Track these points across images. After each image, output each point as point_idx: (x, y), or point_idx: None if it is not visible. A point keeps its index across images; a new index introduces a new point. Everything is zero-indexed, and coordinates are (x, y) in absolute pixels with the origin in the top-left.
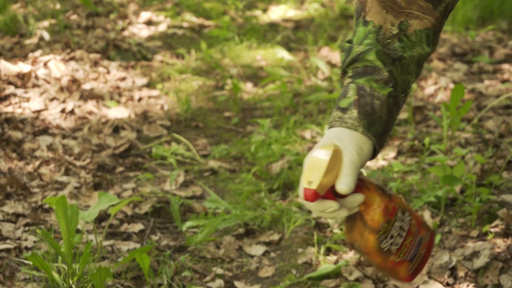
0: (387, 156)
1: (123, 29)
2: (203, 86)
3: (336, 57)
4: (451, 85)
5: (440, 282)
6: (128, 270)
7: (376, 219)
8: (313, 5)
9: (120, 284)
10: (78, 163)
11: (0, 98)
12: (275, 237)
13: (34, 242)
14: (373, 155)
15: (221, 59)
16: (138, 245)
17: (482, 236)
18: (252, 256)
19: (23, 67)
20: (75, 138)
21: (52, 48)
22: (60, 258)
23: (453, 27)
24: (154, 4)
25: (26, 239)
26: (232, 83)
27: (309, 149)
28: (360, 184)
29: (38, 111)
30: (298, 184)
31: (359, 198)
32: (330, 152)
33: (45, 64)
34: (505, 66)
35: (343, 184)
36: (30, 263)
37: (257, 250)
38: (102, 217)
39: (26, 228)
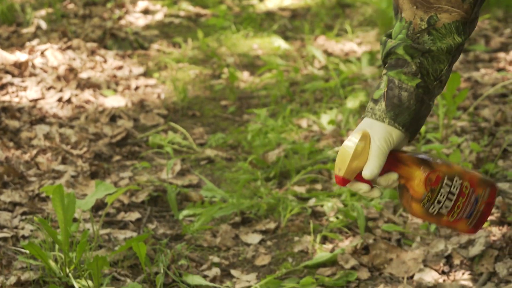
0: None
1: (120, 18)
2: (200, 75)
3: (332, 46)
4: None
5: (436, 270)
6: (124, 259)
7: (417, 190)
8: None
9: (116, 272)
10: (75, 152)
11: None
12: (272, 225)
13: (31, 231)
14: (410, 140)
15: (218, 48)
16: (134, 234)
17: None
18: (248, 245)
19: (20, 56)
20: (72, 127)
21: (49, 37)
22: (57, 246)
23: None
24: None
25: (23, 228)
26: (229, 72)
27: (305, 137)
28: (397, 162)
29: (35, 100)
30: (294, 173)
31: (392, 176)
32: (357, 140)
33: (42, 53)
34: (501, 55)
35: (366, 170)
36: (27, 251)
37: (254, 238)
38: (99, 206)
39: (23, 217)
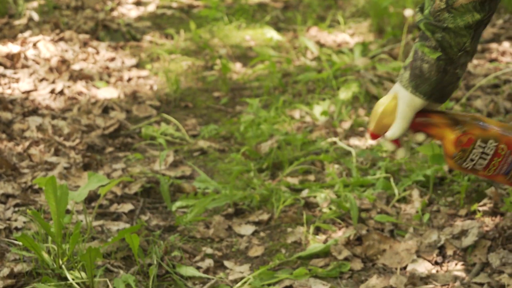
0: None
1: (112, 9)
2: (192, 66)
3: (325, 37)
4: None
5: (429, 261)
6: (117, 250)
7: (448, 149)
8: None
9: (110, 264)
10: (67, 143)
11: None
12: (265, 216)
13: (24, 222)
14: (441, 103)
15: (210, 39)
16: (127, 225)
17: (470, 215)
18: (241, 236)
19: (12, 47)
20: (64, 118)
21: (41, 29)
22: (50, 238)
23: None
24: None
25: (16, 220)
26: (221, 63)
27: (298, 128)
28: (429, 123)
29: (28, 92)
30: (287, 164)
31: (419, 137)
32: (388, 101)
33: (35, 45)
34: (493, 45)
35: (389, 132)
36: (20, 243)
37: (247, 229)
38: (91, 198)
39: (16, 209)
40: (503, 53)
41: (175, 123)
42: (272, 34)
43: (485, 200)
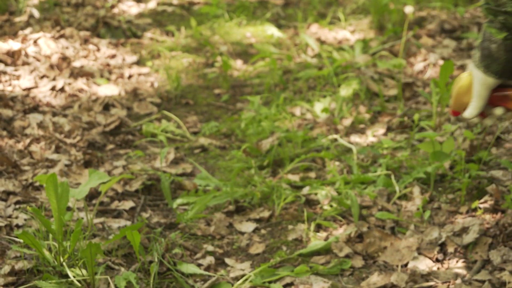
0: (376, 133)
1: (112, 6)
2: (193, 63)
3: (325, 34)
4: (440, 62)
5: (430, 258)
6: (119, 248)
7: None
8: None
9: (111, 261)
10: (68, 140)
11: None
12: (266, 214)
13: (25, 220)
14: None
15: (211, 36)
16: (128, 223)
17: (471, 212)
18: (242, 233)
19: (13, 44)
20: (65, 115)
21: (42, 26)
22: (51, 236)
23: (442, 3)
24: None
25: (17, 217)
26: (222, 60)
27: (299, 125)
28: (506, 97)
29: (29, 89)
30: (287, 161)
31: (498, 111)
32: (464, 81)
33: (35, 42)
34: None
35: (466, 112)
36: (21, 241)
37: (248, 227)
38: (92, 195)
39: (17, 206)
40: None
41: (176, 120)
42: (272, 31)
43: (486, 197)
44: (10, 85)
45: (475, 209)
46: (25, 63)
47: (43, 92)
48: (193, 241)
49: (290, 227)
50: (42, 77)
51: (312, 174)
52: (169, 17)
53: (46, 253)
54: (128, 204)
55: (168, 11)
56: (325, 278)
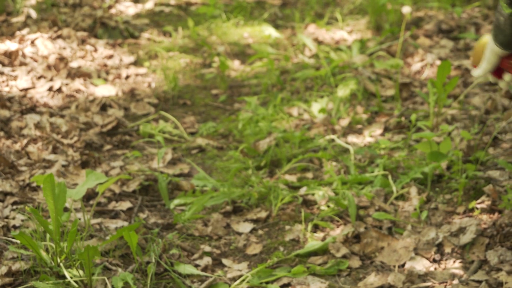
0: (374, 133)
1: (110, 7)
2: (191, 64)
3: (323, 34)
4: (438, 62)
5: (427, 258)
6: (116, 248)
7: None
8: None
9: (108, 262)
10: (65, 141)
11: None
12: (263, 214)
13: (22, 220)
14: None
15: (208, 36)
16: (126, 223)
17: (468, 212)
18: (239, 234)
19: (10, 45)
20: (62, 116)
21: (39, 26)
22: (48, 236)
23: (439, 3)
24: None
25: (14, 218)
26: (220, 61)
27: (296, 126)
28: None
29: (26, 90)
30: (285, 161)
31: (506, 77)
32: (483, 40)
33: (32, 42)
34: None
35: (475, 72)
36: (18, 241)
37: (245, 227)
38: (90, 195)
39: (14, 207)
40: None
41: (173, 120)
42: (270, 31)
43: (483, 198)
44: (7, 85)
45: (472, 210)
46: (22, 64)
47: (40, 93)
48: (190, 242)
49: (287, 227)
50: (39, 77)
51: (309, 175)
52: (167, 18)
53: (43, 253)
54: (125, 204)
55: (166, 12)
56: (322, 278)
